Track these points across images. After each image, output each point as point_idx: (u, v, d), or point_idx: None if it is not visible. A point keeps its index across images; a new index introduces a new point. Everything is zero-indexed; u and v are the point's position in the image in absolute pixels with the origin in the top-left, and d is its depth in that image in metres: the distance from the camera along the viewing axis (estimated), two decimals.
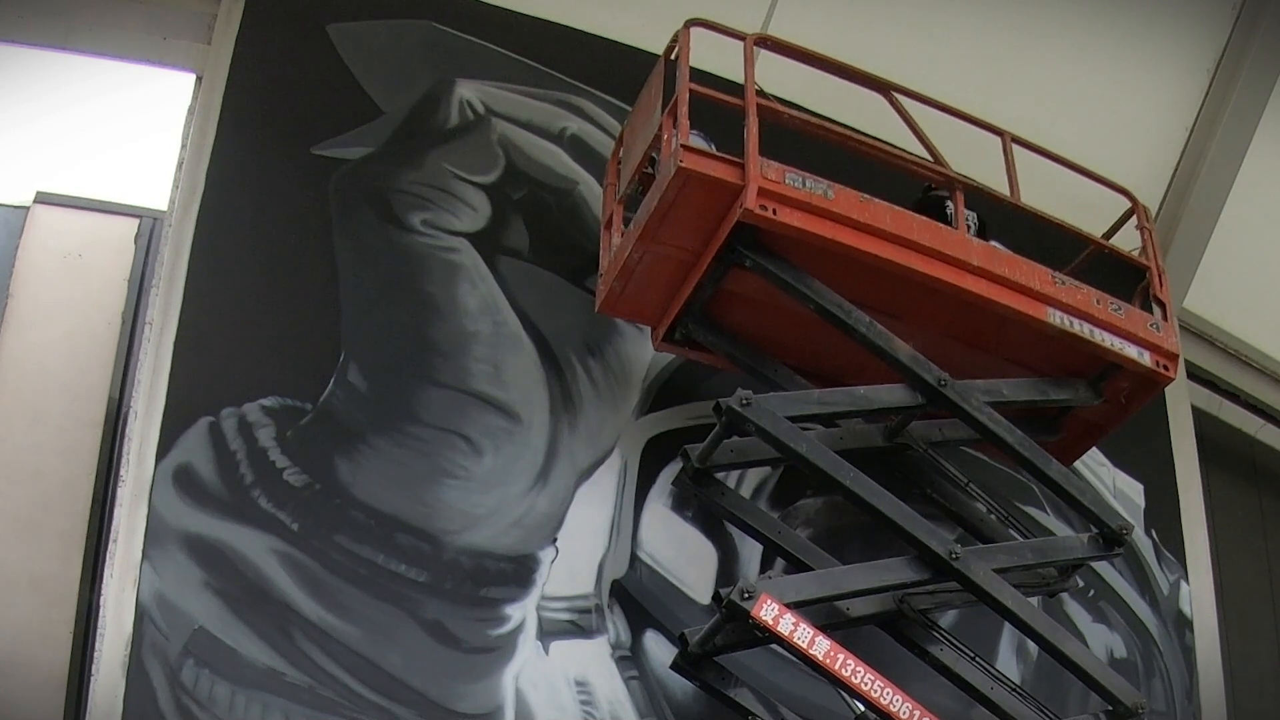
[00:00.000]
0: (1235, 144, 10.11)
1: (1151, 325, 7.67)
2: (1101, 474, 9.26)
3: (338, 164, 8.23)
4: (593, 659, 7.44)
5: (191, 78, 8.50)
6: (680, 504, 7.97)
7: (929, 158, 7.92)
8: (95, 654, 6.75)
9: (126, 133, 9.99)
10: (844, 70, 7.90)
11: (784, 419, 6.98)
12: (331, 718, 6.78)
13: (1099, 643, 8.80)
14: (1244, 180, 10.18)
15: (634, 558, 7.75)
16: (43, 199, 8.93)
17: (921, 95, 7.86)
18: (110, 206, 9.06)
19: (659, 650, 7.55)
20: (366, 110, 8.46)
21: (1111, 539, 7.55)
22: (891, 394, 7.32)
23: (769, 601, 6.62)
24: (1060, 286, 7.48)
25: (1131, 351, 7.57)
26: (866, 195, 7.32)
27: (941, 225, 7.43)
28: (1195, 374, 10.44)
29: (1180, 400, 9.99)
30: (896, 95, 7.93)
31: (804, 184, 7.09)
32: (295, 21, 8.57)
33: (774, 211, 6.98)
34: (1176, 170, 10.27)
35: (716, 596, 6.92)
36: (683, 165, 6.98)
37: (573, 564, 7.62)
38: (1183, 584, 9.39)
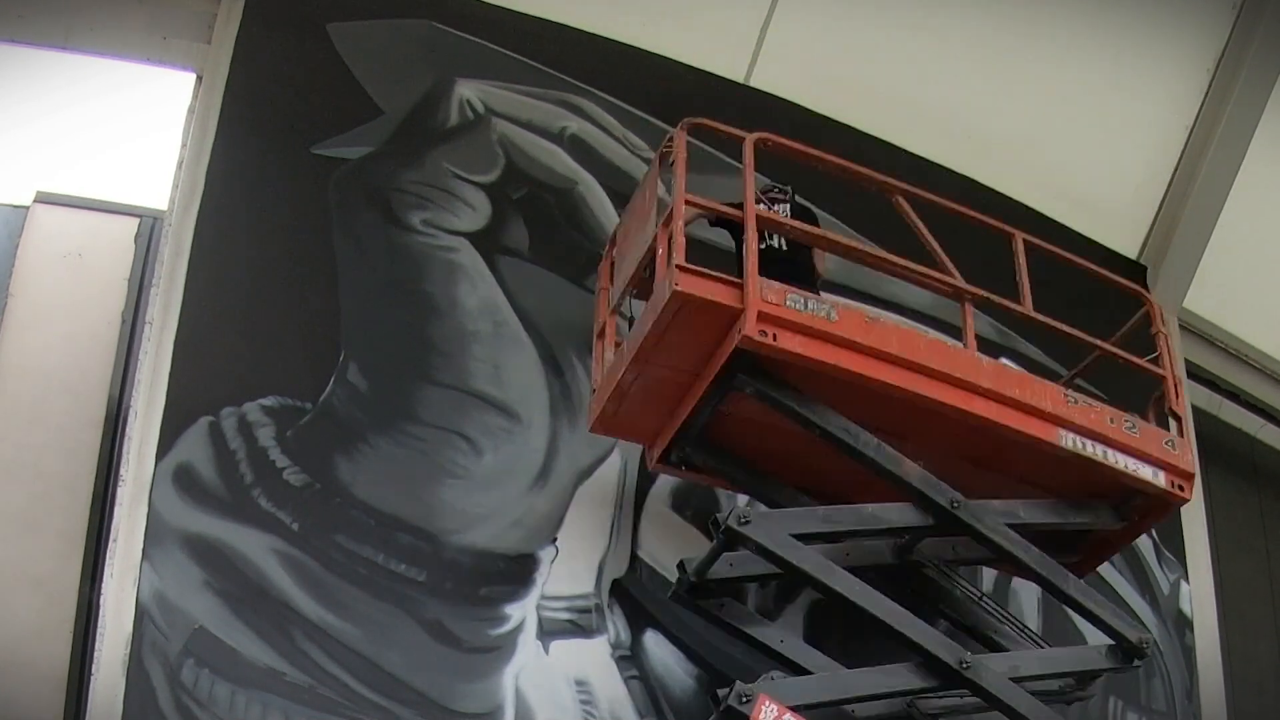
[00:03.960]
0: (1235, 144, 10.10)
1: (1167, 443, 7.32)
2: None
3: (338, 164, 8.24)
4: (593, 658, 7.44)
5: (191, 77, 8.51)
6: (680, 504, 7.96)
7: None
8: (95, 654, 6.74)
9: (126, 133, 10.01)
10: (847, 171, 7.54)
11: (786, 536, 6.73)
12: (331, 717, 6.77)
13: (1099, 642, 8.78)
14: (1244, 180, 10.18)
15: (634, 557, 7.75)
16: (43, 199, 8.92)
17: (926, 195, 7.55)
18: (110, 206, 9.05)
19: (659, 650, 7.55)
20: (366, 110, 8.46)
21: (1132, 651, 7.31)
22: (901, 514, 7.02)
23: (768, 703, 6.46)
24: (1073, 406, 7.15)
25: (1146, 473, 7.21)
26: (873, 313, 7.02)
27: (950, 345, 7.16)
28: (1195, 374, 10.43)
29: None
30: (901, 199, 7.53)
31: (806, 305, 6.73)
32: (295, 21, 8.58)
33: (774, 337, 6.62)
34: (1176, 170, 10.26)
35: (714, 697, 6.74)
36: (678, 289, 6.63)
37: (573, 564, 7.61)
38: (1183, 584, 9.39)
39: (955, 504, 6.95)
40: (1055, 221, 10.16)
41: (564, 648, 7.41)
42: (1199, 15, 10.00)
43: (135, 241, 8.87)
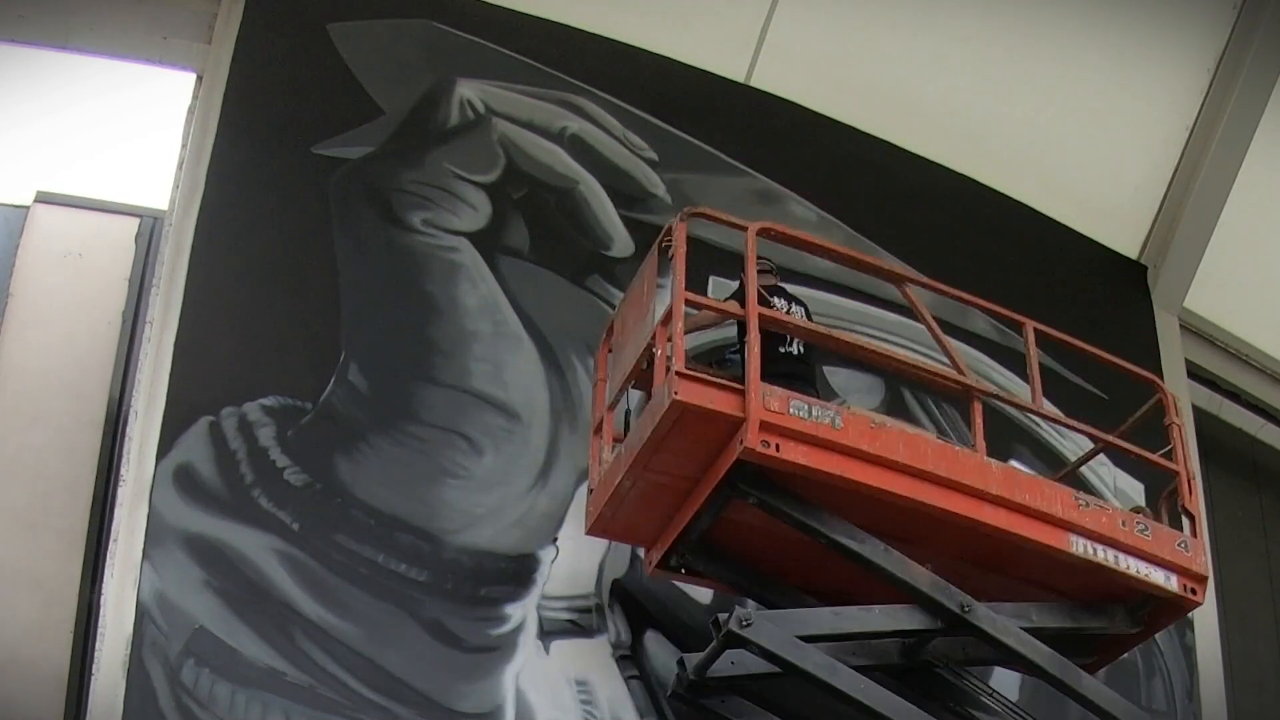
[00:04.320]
0: (1235, 144, 10.11)
1: (1179, 544, 7.13)
2: (1102, 473, 9.25)
3: (338, 164, 8.24)
4: (593, 658, 7.43)
5: (192, 77, 8.52)
6: None
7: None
8: (95, 654, 6.74)
9: (126, 132, 10.01)
10: (853, 260, 7.48)
11: (791, 639, 6.55)
12: (332, 717, 6.77)
13: None
14: (1244, 180, 10.19)
15: (634, 557, 7.72)
16: (43, 199, 8.92)
17: (934, 285, 7.47)
18: (110, 206, 9.05)
19: (659, 650, 7.54)
20: (367, 110, 8.47)
21: None
22: (911, 617, 6.84)
23: None
24: (1084, 510, 6.97)
25: (1158, 577, 7.05)
26: (879, 418, 6.85)
27: (959, 450, 6.94)
28: (1195, 374, 10.44)
29: (1180, 400, 9.96)
30: (909, 287, 7.39)
31: (810, 413, 6.49)
32: (295, 21, 8.58)
33: (777, 448, 6.39)
34: (1176, 170, 10.27)
35: None
36: (678, 398, 6.36)
37: (573, 563, 7.61)
38: None
39: (966, 608, 6.77)
40: (1056, 221, 10.17)
41: (564, 648, 7.40)
42: (1199, 15, 10.01)
43: (135, 241, 8.87)
